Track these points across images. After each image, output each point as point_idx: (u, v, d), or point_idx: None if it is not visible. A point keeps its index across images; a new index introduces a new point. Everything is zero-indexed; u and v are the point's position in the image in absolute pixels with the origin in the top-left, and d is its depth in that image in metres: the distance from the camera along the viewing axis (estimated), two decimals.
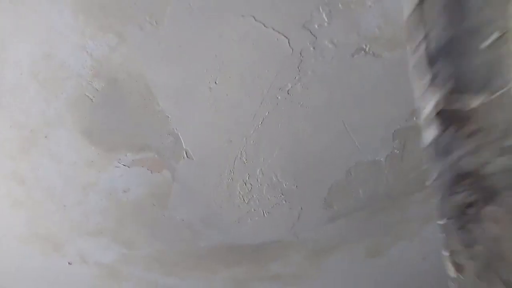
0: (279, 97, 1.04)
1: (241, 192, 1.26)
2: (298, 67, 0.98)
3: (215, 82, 0.98)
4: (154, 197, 1.21)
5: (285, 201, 1.32)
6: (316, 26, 0.90)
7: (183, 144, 1.10)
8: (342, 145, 1.19)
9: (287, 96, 1.04)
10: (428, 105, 0.54)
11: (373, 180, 1.33)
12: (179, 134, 1.07)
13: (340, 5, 0.89)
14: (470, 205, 0.52)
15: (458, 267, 0.54)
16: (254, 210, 1.32)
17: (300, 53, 0.96)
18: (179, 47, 0.90)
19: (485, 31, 0.47)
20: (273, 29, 0.91)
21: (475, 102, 0.49)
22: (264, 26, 0.90)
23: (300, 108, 1.07)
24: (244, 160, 1.18)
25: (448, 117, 0.52)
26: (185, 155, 1.13)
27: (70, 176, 1.10)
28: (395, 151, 1.24)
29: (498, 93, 0.48)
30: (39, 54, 0.85)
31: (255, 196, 1.28)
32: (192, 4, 0.83)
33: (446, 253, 0.57)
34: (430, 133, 0.56)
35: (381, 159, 1.26)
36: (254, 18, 0.88)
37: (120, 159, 1.09)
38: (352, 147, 1.20)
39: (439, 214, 0.58)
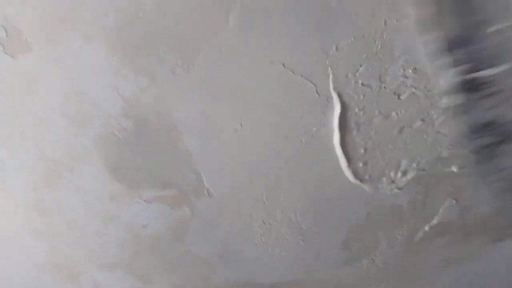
0: (303, 140, 1.04)
1: (259, 231, 1.25)
2: (323, 112, 0.99)
3: (241, 124, 0.99)
4: (173, 232, 1.21)
5: (303, 241, 1.31)
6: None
7: (205, 182, 1.10)
8: (364, 188, 1.18)
9: (312, 139, 1.04)
10: (451, 80, 0.71)
11: (393, 224, 1.31)
12: (202, 172, 1.08)
13: (364, 56, 0.89)
14: (486, 146, 0.75)
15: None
16: (272, 249, 1.31)
17: (327, 99, 0.96)
18: (208, 90, 0.91)
19: (490, 22, 0.63)
20: (301, 76, 0.92)
21: (490, 73, 0.66)
22: (293, 72, 0.91)
23: (323, 151, 1.07)
24: (264, 199, 1.17)
25: (470, 84, 0.70)
26: (206, 193, 1.13)
27: (92, 209, 1.11)
28: (418, 196, 1.22)
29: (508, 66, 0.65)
30: (70, 91, 0.86)
31: (273, 235, 1.27)
32: (223, 49, 0.85)
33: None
34: (455, 99, 0.74)
35: (403, 204, 1.24)
36: (283, 65, 0.89)
37: (141, 195, 1.10)
38: (374, 190, 1.19)
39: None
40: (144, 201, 1.10)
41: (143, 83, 0.87)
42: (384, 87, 0.94)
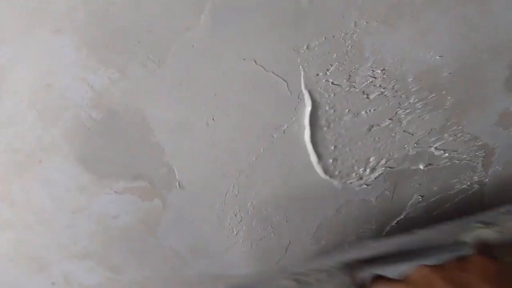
0: (275, 136, 1.05)
1: (230, 223, 1.27)
2: (295, 109, 1.00)
3: (213, 119, 0.99)
4: (144, 224, 1.21)
5: (274, 234, 1.33)
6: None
7: (177, 175, 1.10)
8: (333, 184, 1.21)
9: (283, 135, 1.06)
10: None
11: (362, 219, 1.34)
12: (173, 165, 1.08)
13: (334, 55, 0.91)
14: None
15: None
16: (243, 241, 1.33)
17: (298, 97, 0.98)
18: (180, 84, 0.91)
19: None
20: (273, 73, 0.93)
21: None
22: (264, 69, 0.91)
23: (295, 147, 1.09)
24: (236, 193, 1.19)
25: None
26: (178, 185, 1.13)
27: (61, 201, 1.10)
28: (386, 192, 1.26)
29: None
30: (40, 85, 0.85)
31: (244, 227, 1.29)
32: (195, 45, 0.85)
33: None
34: None
35: (371, 199, 1.27)
36: (255, 62, 0.90)
37: (112, 186, 1.09)
38: (343, 186, 1.21)
39: None
40: (115, 192, 1.10)
41: (113, 76, 0.86)
42: (354, 87, 0.96)
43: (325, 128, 1.04)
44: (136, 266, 1.34)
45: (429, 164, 1.14)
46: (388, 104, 0.99)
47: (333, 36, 0.86)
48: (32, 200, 1.08)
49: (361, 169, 1.15)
